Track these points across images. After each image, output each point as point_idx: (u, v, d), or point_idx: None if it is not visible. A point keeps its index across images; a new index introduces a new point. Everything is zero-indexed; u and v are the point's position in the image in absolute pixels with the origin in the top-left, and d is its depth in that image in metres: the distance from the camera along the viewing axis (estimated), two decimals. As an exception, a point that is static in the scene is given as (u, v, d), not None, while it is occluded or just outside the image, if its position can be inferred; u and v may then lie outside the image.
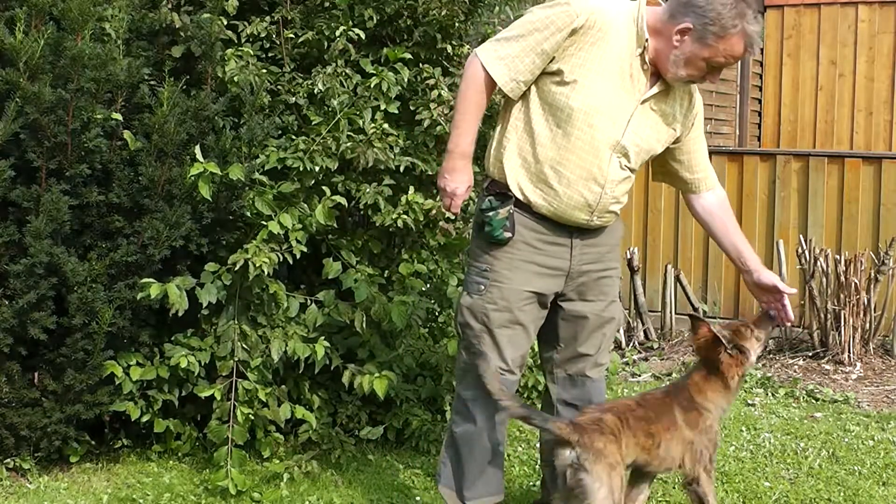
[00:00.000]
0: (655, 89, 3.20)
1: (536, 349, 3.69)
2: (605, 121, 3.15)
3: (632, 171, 3.29)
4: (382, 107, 4.25)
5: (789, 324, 3.45)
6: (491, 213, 3.21)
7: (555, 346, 3.44)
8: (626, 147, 3.20)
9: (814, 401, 5.48)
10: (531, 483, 4.06)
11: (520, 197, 3.22)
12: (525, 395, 5.05)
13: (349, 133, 4.18)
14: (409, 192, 4.26)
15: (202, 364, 4.11)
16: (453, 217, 3.33)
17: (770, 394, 5.60)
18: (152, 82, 4.20)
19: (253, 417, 4.10)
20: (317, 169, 4.14)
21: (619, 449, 3.04)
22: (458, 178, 3.24)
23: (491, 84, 3.18)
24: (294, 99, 4.31)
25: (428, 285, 4.53)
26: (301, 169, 4.13)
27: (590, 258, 3.35)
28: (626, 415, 3.13)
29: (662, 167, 3.48)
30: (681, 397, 3.24)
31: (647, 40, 3.13)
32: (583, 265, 3.33)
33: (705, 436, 3.22)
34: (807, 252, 6.31)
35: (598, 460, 2.98)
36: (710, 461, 3.24)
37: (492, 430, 3.33)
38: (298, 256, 4.17)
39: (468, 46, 4.56)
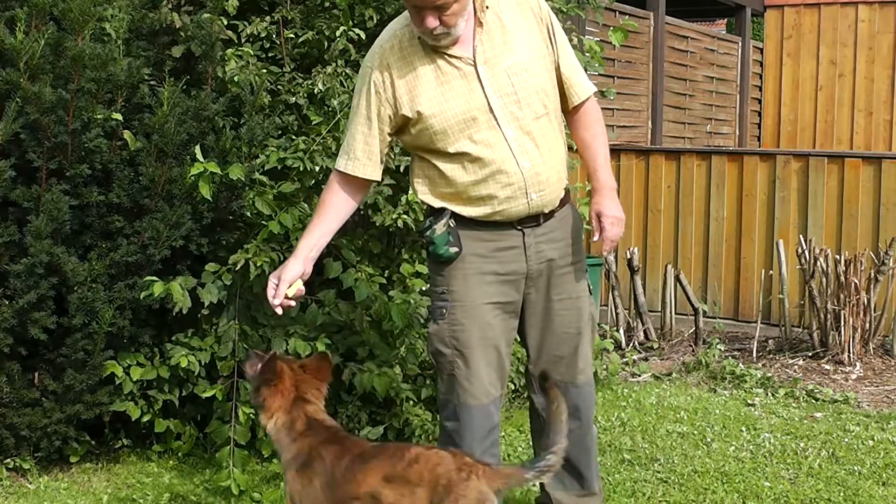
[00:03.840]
0: (476, 47, 3.07)
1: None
2: (467, 116, 3.07)
3: (537, 119, 3.13)
4: (382, 107, 4.25)
5: (606, 251, 3.26)
6: (429, 232, 3.16)
7: (529, 359, 3.35)
8: (505, 114, 3.09)
9: (814, 401, 5.48)
10: (531, 483, 4.06)
11: (456, 212, 3.16)
12: (525, 396, 5.04)
13: (349, 133, 4.18)
14: (409, 192, 4.26)
15: (202, 364, 4.11)
16: (435, 252, 3.19)
17: (770, 394, 5.60)
18: (152, 82, 4.20)
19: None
20: (317, 169, 4.14)
21: None
22: (276, 272, 3.15)
23: (341, 176, 3.19)
24: (294, 99, 4.31)
25: (428, 285, 4.53)
26: (301, 169, 4.13)
27: (547, 255, 3.23)
28: None
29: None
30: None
31: (419, 35, 3.06)
32: (541, 263, 3.22)
33: None
34: (807, 252, 6.31)
35: None
36: None
37: (482, 454, 3.21)
38: (298, 256, 4.17)
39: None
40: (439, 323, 3.21)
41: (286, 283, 3.11)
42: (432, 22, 2.97)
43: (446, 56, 3.09)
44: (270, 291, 3.12)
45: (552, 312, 3.27)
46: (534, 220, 3.20)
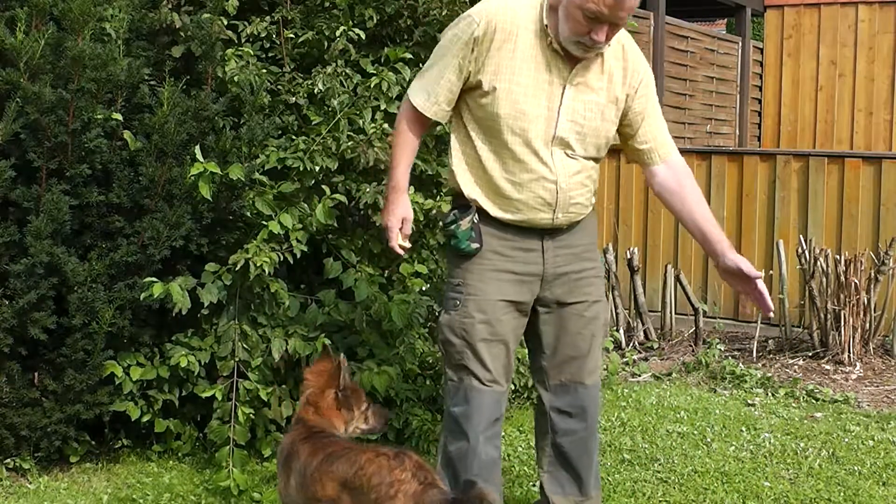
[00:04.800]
0: (579, 68, 3.13)
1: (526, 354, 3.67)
2: (534, 119, 3.11)
3: (587, 158, 3.21)
4: (383, 107, 4.25)
5: (770, 315, 3.29)
6: (454, 227, 3.20)
7: (541, 353, 3.38)
8: (564, 138, 3.15)
9: (814, 401, 5.48)
10: (531, 483, 4.06)
11: (482, 208, 3.21)
12: (525, 396, 5.06)
13: (349, 133, 4.18)
14: (409, 192, 4.25)
15: (202, 364, 4.11)
16: (398, 255, 3.29)
17: (770, 394, 5.60)
18: (152, 82, 4.20)
19: (254, 417, 4.10)
20: (317, 169, 4.14)
21: None
22: (392, 212, 3.25)
23: (416, 114, 3.21)
24: (294, 99, 4.31)
25: (428, 285, 4.53)
26: (301, 169, 4.13)
27: (564, 260, 3.29)
28: None
29: (623, 143, 3.37)
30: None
31: (546, 26, 3.08)
32: (558, 268, 3.27)
33: None
34: (807, 252, 6.31)
35: None
36: None
37: (485, 443, 3.28)
38: (299, 256, 4.18)
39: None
40: (451, 313, 3.26)
41: (409, 223, 3.25)
42: (603, 35, 3.01)
43: (552, 59, 3.11)
44: (395, 233, 3.23)
45: (568, 313, 3.33)
46: (556, 229, 3.27)
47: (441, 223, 3.31)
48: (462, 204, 3.24)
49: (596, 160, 3.28)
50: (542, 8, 3.11)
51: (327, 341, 4.17)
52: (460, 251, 3.22)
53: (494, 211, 3.20)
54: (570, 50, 3.09)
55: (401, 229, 3.26)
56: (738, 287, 3.29)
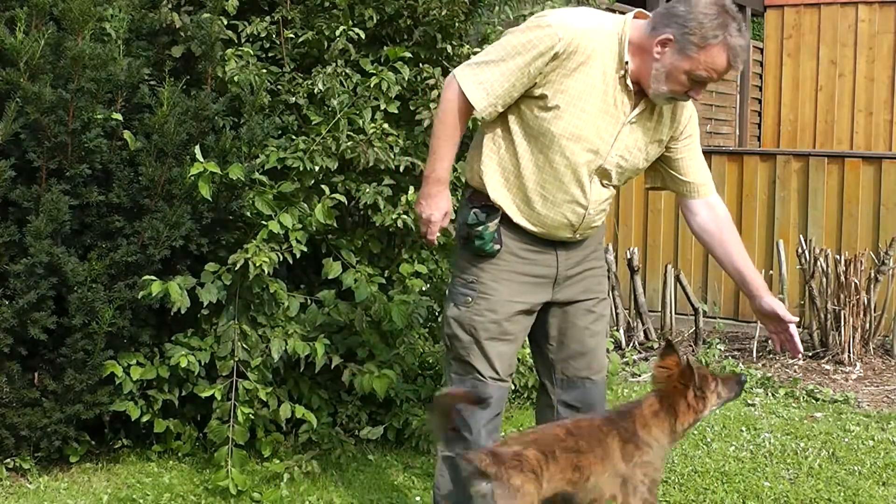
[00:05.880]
0: (640, 108, 3.15)
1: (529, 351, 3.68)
2: (587, 147, 3.11)
3: (615, 187, 3.29)
4: (382, 106, 4.25)
5: (799, 356, 3.36)
6: (480, 228, 3.17)
7: (548, 346, 3.40)
8: (608, 170, 3.18)
9: (814, 401, 5.48)
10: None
11: (504, 212, 3.20)
12: (525, 396, 5.06)
13: (349, 133, 4.18)
14: (409, 192, 4.25)
15: (202, 364, 4.11)
16: (477, 247, 3.20)
17: (770, 394, 5.59)
18: (152, 82, 4.20)
19: (253, 417, 4.10)
20: (317, 169, 4.14)
21: (537, 488, 2.87)
22: (435, 205, 3.19)
23: (469, 109, 3.14)
24: (294, 99, 4.31)
25: (428, 285, 4.53)
26: (301, 169, 4.13)
27: (576, 262, 3.34)
28: (553, 447, 2.93)
29: (653, 171, 3.41)
30: (621, 427, 3.01)
31: (626, 63, 3.07)
32: (569, 270, 3.32)
33: (641, 470, 2.98)
34: (807, 252, 6.31)
35: (511, 498, 2.82)
36: (650, 494, 3.02)
37: (486, 437, 3.30)
38: (298, 256, 4.18)
39: (468, 46, 4.56)
40: (461, 308, 3.25)
41: (448, 218, 3.21)
42: (700, 94, 3.11)
43: (619, 94, 3.10)
44: (437, 226, 3.20)
45: (576, 309, 3.36)
46: (570, 241, 3.32)
47: (461, 222, 3.26)
48: (485, 205, 3.20)
49: (618, 189, 3.35)
50: (622, 42, 3.08)
51: (327, 341, 4.18)
52: (482, 252, 3.20)
53: (518, 218, 3.20)
54: (658, 102, 3.14)
55: (440, 221, 3.22)
56: (771, 327, 3.37)
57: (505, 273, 3.23)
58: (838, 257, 6.16)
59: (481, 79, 3.09)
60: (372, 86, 4.22)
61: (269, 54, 4.43)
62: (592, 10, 3.22)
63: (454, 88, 3.12)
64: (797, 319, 3.33)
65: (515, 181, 3.18)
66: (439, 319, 4.69)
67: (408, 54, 4.32)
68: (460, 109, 3.13)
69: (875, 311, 6.24)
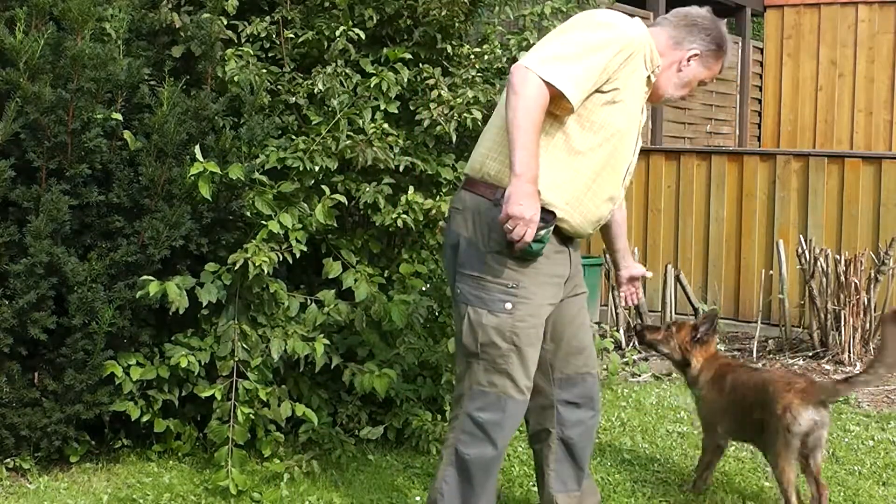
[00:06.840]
0: (646, 111, 3.32)
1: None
2: (629, 144, 3.22)
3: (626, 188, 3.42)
4: (382, 106, 4.25)
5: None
6: (544, 232, 3.01)
7: (545, 349, 3.35)
8: (630, 168, 3.31)
9: (814, 401, 5.47)
10: (531, 483, 4.06)
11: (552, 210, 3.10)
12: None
13: (349, 133, 4.18)
14: (409, 192, 4.26)
15: (202, 364, 4.11)
16: (527, 250, 3.03)
17: (770, 394, 5.59)
18: (152, 82, 4.20)
19: (253, 417, 4.10)
20: (317, 169, 4.14)
21: None
22: (535, 204, 2.93)
23: (546, 101, 3.00)
24: (294, 99, 4.31)
25: (428, 285, 4.53)
26: (301, 169, 4.13)
27: (577, 259, 3.41)
28: None
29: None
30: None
31: (658, 66, 3.21)
32: (573, 266, 3.36)
33: None
34: (807, 252, 6.32)
35: None
36: None
37: (503, 452, 3.29)
38: (298, 256, 4.18)
39: (468, 46, 4.56)
40: (500, 315, 3.14)
41: (535, 227, 2.96)
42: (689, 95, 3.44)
43: (644, 94, 3.25)
44: (534, 227, 2.94)
45: (570, 305, 3.40)
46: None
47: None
48: (550, 212, 3.08)
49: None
50: (652, 48, 3.20)
51: (326, 341, 4.18)
52: (530, 255, 3.07)
53: (563, 214, 3.12)
54: (655, 102, 3.37)
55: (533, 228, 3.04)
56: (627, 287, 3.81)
57: (542, 276, 3.18)
58: (838, 257, 6.17)
59: (569, 74, 3.01)
60: (372, 86, 4.22)
61: (269, 54, 4.44)
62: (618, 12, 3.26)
63: (536, 83, 2.97)
64: (651, 274, 3.82)
65: (569, 175, 3.12)
66: (439, 319, 4.69)
67: (408, 55, 4.32)
68: (544, 105, 3.00)
69: (875, 311, 6.24)
